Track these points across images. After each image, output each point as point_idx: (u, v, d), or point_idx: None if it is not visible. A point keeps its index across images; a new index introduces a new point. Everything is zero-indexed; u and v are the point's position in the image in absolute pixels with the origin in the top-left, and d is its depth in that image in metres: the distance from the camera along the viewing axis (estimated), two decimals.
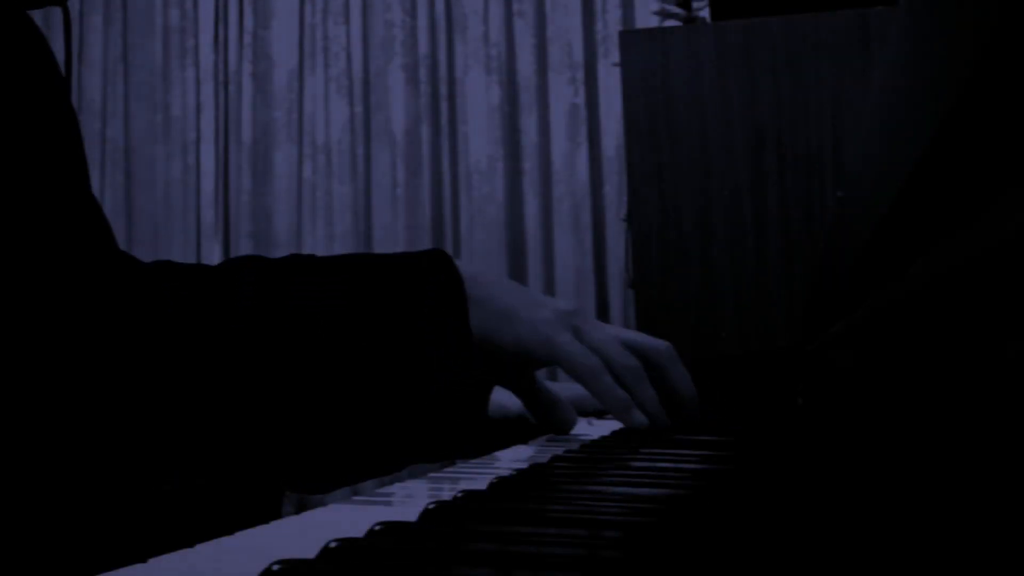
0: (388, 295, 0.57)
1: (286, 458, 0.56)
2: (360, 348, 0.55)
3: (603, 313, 2.86)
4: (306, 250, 3.01)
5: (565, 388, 0.83)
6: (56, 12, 2.47)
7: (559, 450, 0.58)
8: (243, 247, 3.04)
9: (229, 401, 0.54)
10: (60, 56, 0.63)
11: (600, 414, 0.88)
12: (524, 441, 0.66)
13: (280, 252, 3.04)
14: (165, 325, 0.54)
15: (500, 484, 0.43)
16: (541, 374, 0.72)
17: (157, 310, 0.54)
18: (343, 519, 0.39)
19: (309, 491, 0.61)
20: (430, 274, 0.58)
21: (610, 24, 2.89)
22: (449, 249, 2.95)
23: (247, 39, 3.11)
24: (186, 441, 0.54)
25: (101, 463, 0.52)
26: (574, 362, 0.61)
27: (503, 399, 1.02)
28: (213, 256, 3.06)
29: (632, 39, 1.76)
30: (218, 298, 0.57)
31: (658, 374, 0.66)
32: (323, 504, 0.43)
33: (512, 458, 0.58)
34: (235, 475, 0.57)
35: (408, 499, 0.43)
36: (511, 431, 0.76)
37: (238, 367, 0.54)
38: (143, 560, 0.30)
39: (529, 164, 2.92)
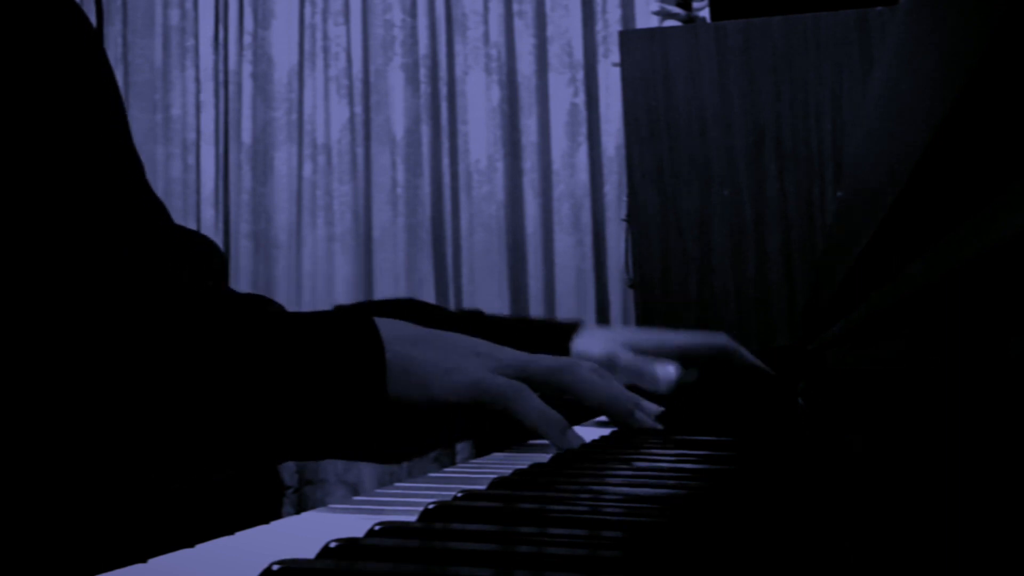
0: (306, 371, 0.57)
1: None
2: (286, 407, 0.56)
3: (603, 313, 2.85)
4: (306, 250, 3.01)
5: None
6: None
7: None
8: (243, 247, 3.04)
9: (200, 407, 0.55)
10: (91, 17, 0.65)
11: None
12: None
13: (280, 252, 3.04)
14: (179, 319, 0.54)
15: (500, 484, 0.43)
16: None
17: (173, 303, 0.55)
18: (343, 519, 0.39)
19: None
20: (348, 353, 0.58)
21: (610, 24, 2.89)
22: (449, 249, 2.95)
23: (247, 39, 3.11)
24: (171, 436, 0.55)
25: (101, 461, 0.52)
26: (501, 396, 0.60)
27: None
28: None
29: (632, 39, 1.76)
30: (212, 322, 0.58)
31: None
32: (323, 504, 0.43)
33: (511, 459, 0.58)
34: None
35: (408, 499, 0.43)
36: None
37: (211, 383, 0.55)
38: (143, 560, 0.30)
39: (529, 164, 2.92)
